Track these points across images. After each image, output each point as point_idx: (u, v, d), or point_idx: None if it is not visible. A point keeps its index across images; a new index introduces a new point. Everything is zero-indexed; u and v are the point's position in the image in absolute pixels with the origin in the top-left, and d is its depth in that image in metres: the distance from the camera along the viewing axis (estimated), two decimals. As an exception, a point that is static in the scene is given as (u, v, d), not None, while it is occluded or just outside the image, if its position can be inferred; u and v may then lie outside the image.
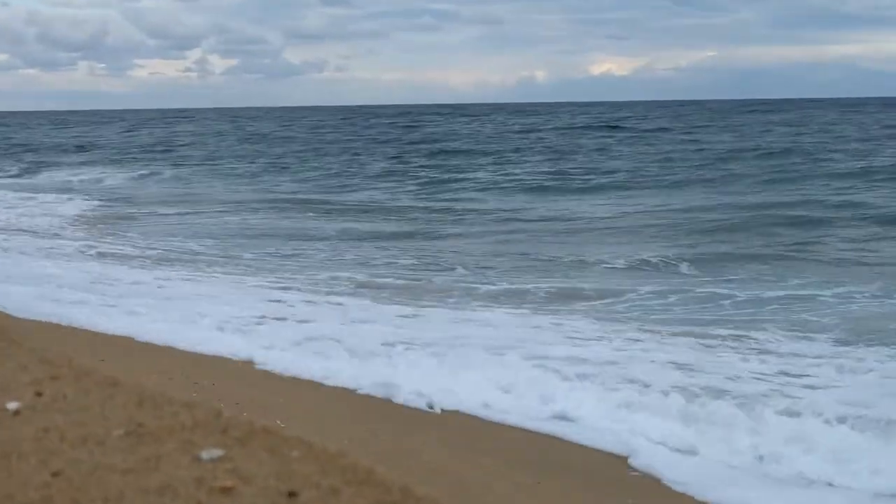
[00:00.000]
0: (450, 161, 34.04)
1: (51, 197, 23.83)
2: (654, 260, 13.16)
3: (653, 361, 7.52)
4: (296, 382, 6.74)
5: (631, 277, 11.92)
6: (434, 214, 19.95)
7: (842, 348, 8.06)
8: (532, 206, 20.83)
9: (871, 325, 8.94)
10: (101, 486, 1.48)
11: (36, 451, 1.62)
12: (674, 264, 12.85)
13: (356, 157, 37.43)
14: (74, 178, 31.64)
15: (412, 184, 27.06)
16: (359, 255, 14.29)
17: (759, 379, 7.06)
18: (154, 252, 14.36)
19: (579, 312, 9.66)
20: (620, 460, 5.34)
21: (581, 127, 55.78)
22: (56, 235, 16.37)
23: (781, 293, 10.55)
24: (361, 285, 11.45)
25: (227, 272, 12.49)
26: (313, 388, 6.61)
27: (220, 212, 20.68)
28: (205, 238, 16.16)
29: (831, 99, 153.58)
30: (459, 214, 19.82)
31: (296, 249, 14.88)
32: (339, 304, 10.14)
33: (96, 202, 22.77)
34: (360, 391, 6.60)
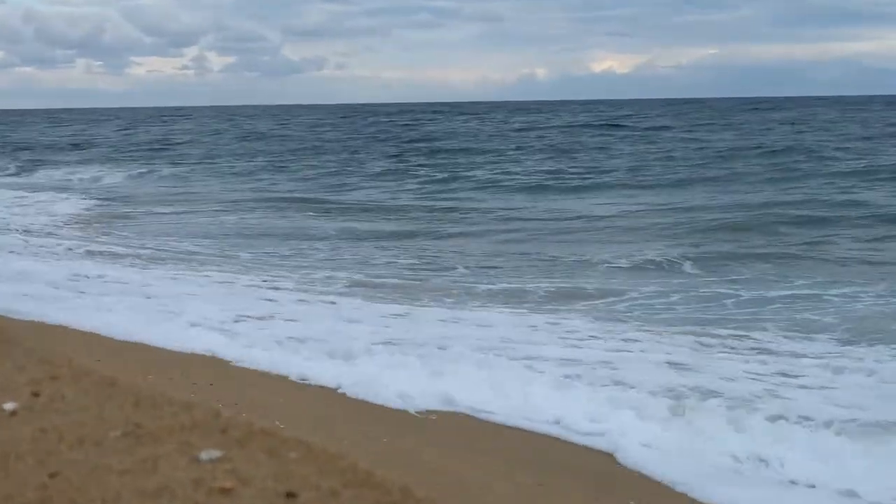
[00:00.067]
0: (450, 160, 34.00)
1: (47, 196, 23.80)
2: (656, 259, 13.11)
3: (647, 361, 7.49)
4: (295, 384, 6.71)
5: (633, 277, 11.89)
6: (434, 213, 19.92)
7: (842, 349, 8.03)
8: (533, 206, 20.78)
9: (874, 326, 8.90)
10: (99, 488, 1.48)
11: (33, 452, 1.61)
12: (677, 263, 12.81)
13: (355, 156, 37.41)
14: (71, 177, 31.61)
15: (412, 183, 27.03)
16: (358, 254, 14.27)
17: (754, 379, 7.03)
18: (146, 251, 14.32)
19: (579, 312, 9.63)
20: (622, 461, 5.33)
21: (582, 125, 55.77)
22: (50, 234, 16.34)
23: (785, 293, 10.51)
24: (358, 285, 11.42)
25: (222, 271, 12.45)
26: (313, 389, 6.59)
27: (218, 211, 20.65)
28: (201, 237, 16.14)
29: (834, 97, 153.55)
30: (460, 213, 19.79)
31: (294, 249, 14.86)
32: (332, 303, 10.09)
33: (93, 201, 22.74)
34: (340, 391, 6.55)
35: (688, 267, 12.54)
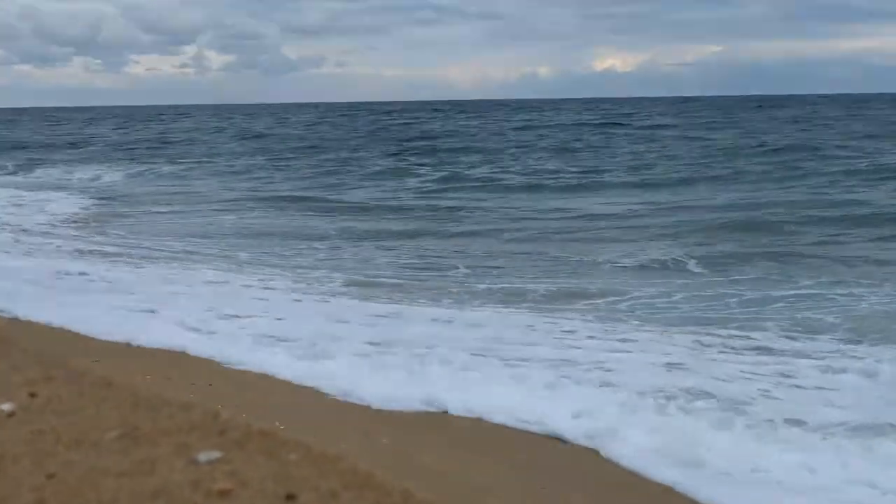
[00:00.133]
0: (451, 158, 33.94)
1: (45, 195, 23.76)
2: (661, 258, 13.03)
3: (646, 362, 7.43)
4: (296, 385, 6.68)
5: (636, 276, 11.83)
6: (435, 213, 19.85)
7: (843, 349, 7.98)
8: (535, 205, 20.69)
9: (877, 326, 8.86)
10: (96, 489, 1.46)
11: (30, 454, 1.59)
12: (682, 262, 12.74)
13: (355, 155, 37.37)
14: (69, 176, 31.57)
15: (412, 181, 26.97)
16: (357, 254, 14.22)
17: (749, 379, 6.98)
18: (140, 250, 14.27)
19: (579, 312, 9.57)
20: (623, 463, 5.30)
21: (585, 124, 55.74)
22: (44, 233, 16.30)
23: (789, 292, 10.45)
24: (354, 284, 11.37)
25: (216, 270, 12.41)
26: (313, 391, 6.56)
27: (217, 210, 20.62)
28: (198, 237, 16.08)
29: (839, 95, 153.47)
30: (461, 213, 19.72)
31: (292, 248, 14.81)
32: (326, 301, 10.03)
33: (91, 200, 22.70)
34: (318, 390, 6.52)
35: (692, 266, 12.46)
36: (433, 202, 21.63)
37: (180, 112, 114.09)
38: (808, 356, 7.74)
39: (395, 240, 15.84)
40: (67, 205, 21.38)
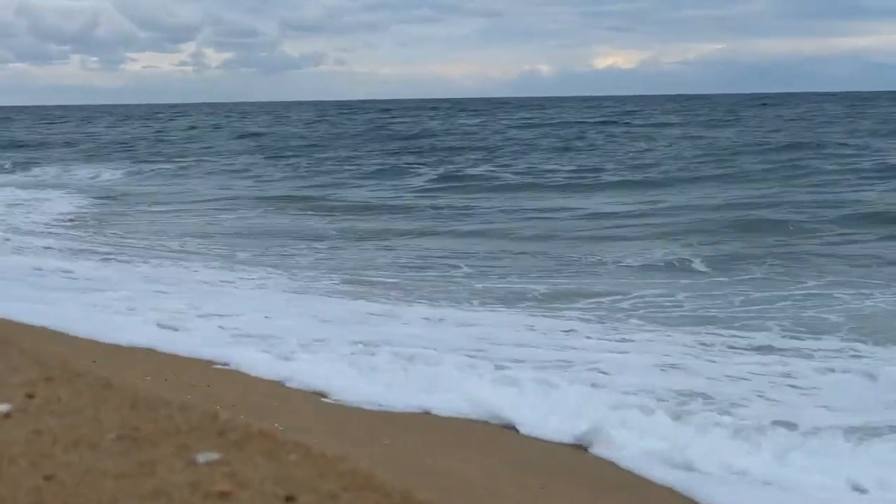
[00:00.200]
0: (452, 157, 33.91)
1: (42, 193, 23.74)
2: (666, 257, 12.99)
3: (645, 362, 7.39)
4: (293, 387, 6.63)
5: (640, 276, 11.79)
6: (436, 211, 19.82)
7: (844, 350, 7.94)
8: (538, 203, 20.62)
9: (882, 326, 8.82)
10: (94, 491, 1.45)
11: (27, 455, 1.59)
12: (687, 261, 12.68)
13: (355, 153, 37.35)
14: (66, 174, 31.54)
15: (412, 180, 26.95)
16: (356, 253, 14.16)
17: (746, 380, 6.95)
18: (133, 249, 14.24)
19: (579, 311, 9.53)
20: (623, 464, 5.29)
21: (587, 122, 55.71)
22: (38, 233, 16.25)
23: (795, 292, 10.42)
24: (352, 283, 11.36)
25: (208, 268, 12.36)
26: (312, 391, 6.52)
27: (214, 209, 20.60)
28: (193, 235, 16.02)
29: (842, 93, 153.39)
30: (462, 211, 19.68)
31: (291, 248, 14.77)
32: (320, 301, 9.95)
33: (87, 199, 22.65)
34: (289, 385, 6.47)
35: (698, 265, 12.40)
36: (434, 201, 21.59)
37: (178, 110, 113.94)
38: (809, 356, 7.71)
39: (395, 238, 15.80)
40: (64, 203, 21.35)
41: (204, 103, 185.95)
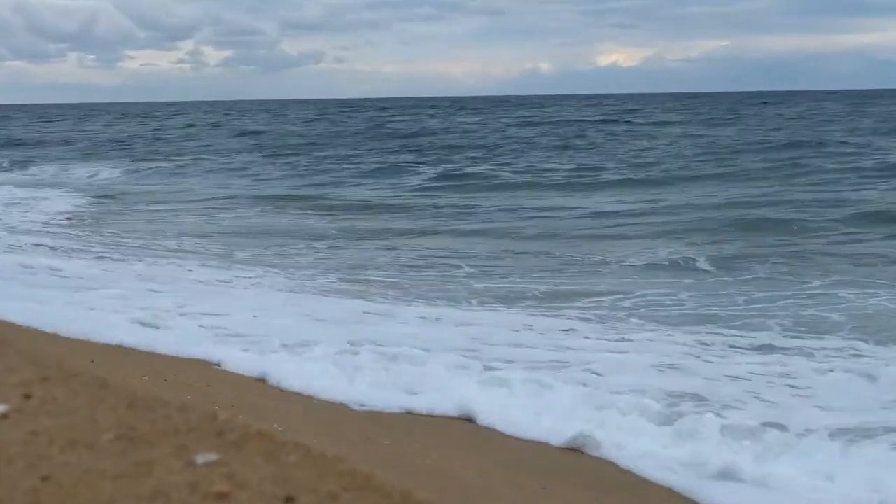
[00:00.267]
0: (451, 156, 33.88)
1: (40, 192, 23.70)
2: (670, 256, 12.95)
3: (636, 363, 7.34)
4: (281, 387, 6.57)
5: (643, 275, 11.75)
6: (436, 210, 19.79)
7: (846, 349, 7.92)
8: (539, 202, 20.57)
9: (885, 325, 8.79)
10: (92, 492, 1.44)
11: (24, 455, 1.57)
12: (692, 260, 12.66)
13: (355, 152, 37.33)
14: (64, 173, 31.52)
15: (412, 179, 26.91)
16: (356, 252, 14.14)
17: (745, 380, 6.93)
18: (130, 249, 14.19)
19: (580, 311, 9.49)
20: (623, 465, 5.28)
21: (589, 120, 55.65)
22: (34, 231, 16.21)
23: (798, 291, 10.40)
24: (351, 282, 11.30)
25: (203, 266, 12.31)
26: (294, 392, 6.47)
27: (213, 208, 20.57)
28: (190, 235, 15.97)
29: (846, 91, 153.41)
30: (463, 210, 19.65)
31: (290, 247, 14.73)
32: (315, 300, 9.90)
33: (84, 198, 22.61)
34: (268, 382, 6.43)
35: (702, 264, 12.35)
36: (434, 200, 21.54)
37: (176, 108, 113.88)
38: (809, 356, 7.67)
39: (395, 237, 15.75)
40: (62, 202, 21.31)
41: (202, 101, 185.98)
